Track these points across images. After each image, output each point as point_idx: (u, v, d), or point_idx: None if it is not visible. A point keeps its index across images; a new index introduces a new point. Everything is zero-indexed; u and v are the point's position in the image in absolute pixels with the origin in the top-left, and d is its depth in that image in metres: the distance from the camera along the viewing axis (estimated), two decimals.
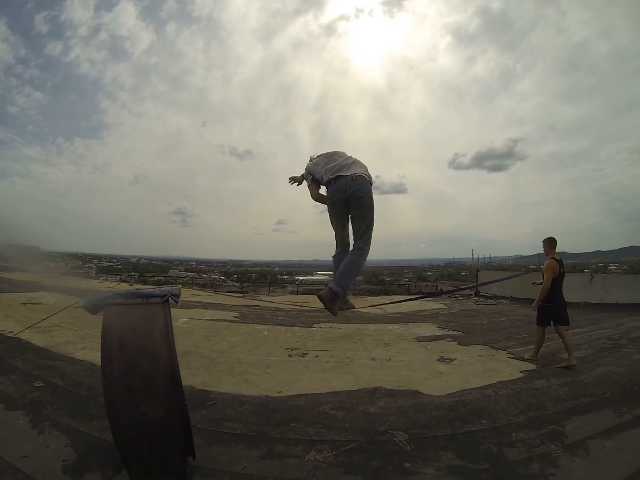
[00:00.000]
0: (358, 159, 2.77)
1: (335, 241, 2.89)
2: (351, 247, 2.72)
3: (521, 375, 4.11)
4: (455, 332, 6.71)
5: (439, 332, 6.76)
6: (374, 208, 2.62)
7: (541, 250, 4.97)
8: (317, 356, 4.86)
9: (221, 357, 4.69)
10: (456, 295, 15.27)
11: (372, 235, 2.62)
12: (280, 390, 3.52)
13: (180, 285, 2.22)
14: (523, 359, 4.75)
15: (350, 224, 2.69)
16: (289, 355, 4.89)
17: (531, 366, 4.45)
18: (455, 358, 4.83)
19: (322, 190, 2.90)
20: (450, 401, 3.32)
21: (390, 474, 2.17)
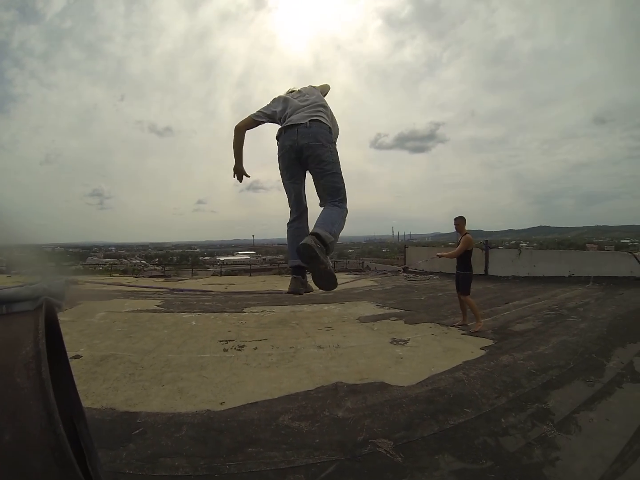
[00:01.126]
0: (322, 99, 2.48)
1: (289, 207, 2.51)
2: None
3: (483, 352, 4.27)
4: (397, 310, 6.91)
5: (380, 311, 6.88)
6: (339, 160, 2.31)
7: None
8: (257, 348, 4.51)
9: (146, 359, 4.10)
10: (384, 271, 16.20)
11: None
12: (223, 401, 3.02)
13: (65, 278, 1.31)
14: (473, 334, 5.10)
15: (314, 182, 2.36)
16: (224, 350, 4.48)
17: (488, 341, 4.68)
18: (409, 339, 4.85)
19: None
20: (424, 391, 3.20)
21: None
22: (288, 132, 2.28)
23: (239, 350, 4.46)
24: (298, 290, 2.48)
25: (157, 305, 7.65)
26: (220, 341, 4.84)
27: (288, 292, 2.50)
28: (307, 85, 2.67)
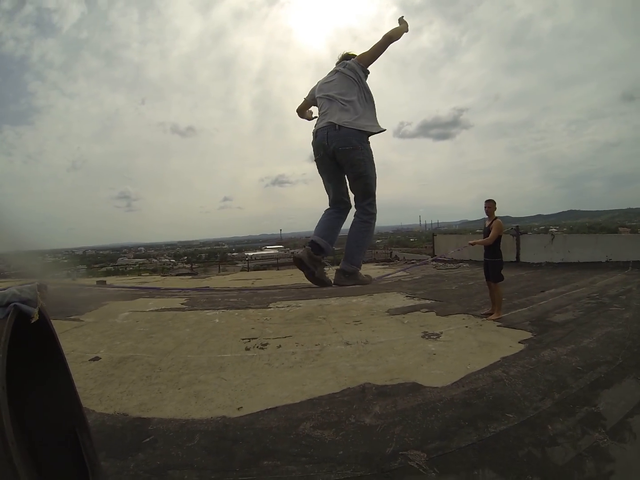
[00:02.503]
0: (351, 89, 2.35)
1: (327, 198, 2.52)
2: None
3: (522, 346, 3.93)
4: (428, 301, 6.60)
5: (410, 303, 6.58)
6: (371, 160, 2.29)
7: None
8: (280, 346, 4.31)
9: (164, 361, 3.99)
10: (412, 261, 15.77)
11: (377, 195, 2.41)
12: (241, 406, 2.85)
13: (36, 283, 1.09)
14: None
15: (348, 181, 2.39)
16: (246, 349, 4.29)
17: (526, 334, 4.33)
18: (442, 332, 4.56)
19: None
20: (460, 393, 2.92)
21: None
22: (319, 134, 2.27)
23: (262, 348, 4.29)
24: (302, 259, 2.25)
25: (182, 304, 7.50)
26: (243, 339, 4.68)
27: (293, 258, 2.38)
28: (349, 62, 2.50)
